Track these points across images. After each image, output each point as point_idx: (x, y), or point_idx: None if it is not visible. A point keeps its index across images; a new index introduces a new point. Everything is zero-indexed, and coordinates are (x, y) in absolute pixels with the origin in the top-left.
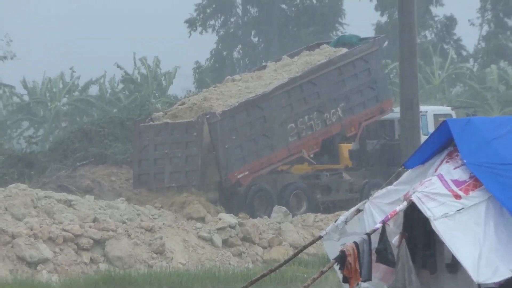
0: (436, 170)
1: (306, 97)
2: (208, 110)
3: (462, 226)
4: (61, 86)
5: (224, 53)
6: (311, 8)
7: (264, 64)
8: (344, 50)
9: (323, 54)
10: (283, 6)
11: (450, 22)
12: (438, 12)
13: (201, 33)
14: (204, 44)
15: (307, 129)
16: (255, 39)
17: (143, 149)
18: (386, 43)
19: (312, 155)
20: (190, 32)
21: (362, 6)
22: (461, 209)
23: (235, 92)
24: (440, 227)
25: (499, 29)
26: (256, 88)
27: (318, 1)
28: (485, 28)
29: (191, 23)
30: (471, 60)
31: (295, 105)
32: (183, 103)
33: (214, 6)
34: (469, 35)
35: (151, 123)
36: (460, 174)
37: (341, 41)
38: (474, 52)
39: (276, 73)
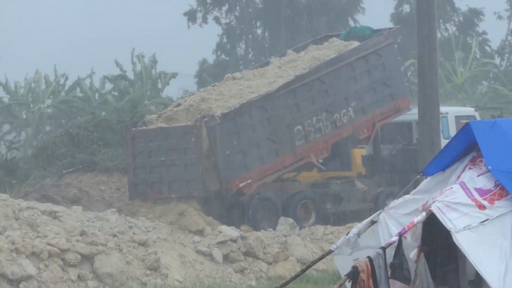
0: (458, 177)
1: (314, 96)
2: (207, 113)
3: (487, 239)
4: (43, 86)
5: (228, 46)
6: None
7: (267, 60)
8: (355, 44)
9: (333, 48)
10: None
11: (474, 14)
12: (461, 4)
13: (200, 25)
14: (205, 39)
15: (316, 132)
16: (261, 31)
17: (137, 156)
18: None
19: (321, 160)
20: (188, 25)
21: None
22: (485, 220)
23: (236, 91)
24: (462, 240)
25: None
26: (258, 87)
27: None
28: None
29: (191, 15)
30: (496, 57)
31: (302, 106)
32: (179, 104)
33: None
34: (495, 29)
35: (144, 127)
36: (485, 182)
37: (352, 34)
38: (500, 47)
39: (281, 70)
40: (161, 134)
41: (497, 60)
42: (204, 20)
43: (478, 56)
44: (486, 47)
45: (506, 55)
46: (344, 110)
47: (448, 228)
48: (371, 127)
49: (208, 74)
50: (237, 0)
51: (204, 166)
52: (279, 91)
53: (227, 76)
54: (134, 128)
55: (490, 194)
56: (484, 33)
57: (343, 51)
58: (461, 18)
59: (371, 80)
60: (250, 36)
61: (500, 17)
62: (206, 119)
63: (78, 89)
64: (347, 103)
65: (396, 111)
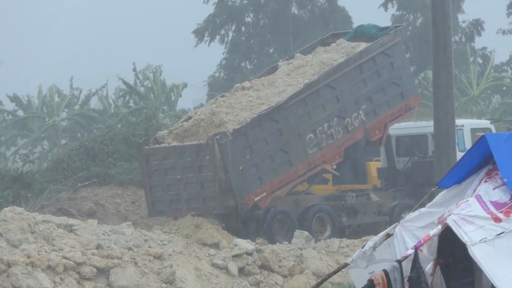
0: (474, 191)
1: (325, 103)
2: (218, 128)
3: (503, 252)
4: (57, 99)
5: (235, 62)
6: (327, 11)
7: (275, 64)
8: (363, 45)
9: (340, 50)
10: (295, 11)
11: (475, 27)
12: (461, 17)
13: (208, 43)
14: (213, 55)
15: (328, 138)
16: (268, 49)
17: (152, 174)
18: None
19: (335, 166)
20: (197, 42)
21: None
22: (501, 233)
23: (246, 103)
24: (478, 254)
25: None
26: (268, 97)
27: (333, 5)
28: None
29: (199, 33)
30: (509, 69)
31: (313, 113)
32: (189, 118)
33: (224, 16)
34: (498, 45)
35: (157, 145)
36: (500, 195)
37: (359, 33)
38: (509, 60)
39: (290, 78)
40: (175, 152)
41: (509, 72)
42: (212, 38)
43: (485, 68)
44: (495, 61)
45: None
46: (355, 114)
47: (464, 241)
48: (382, 128)
49: (220, 86)
50: (244, 18)
51: (220, 183)
52: (289, 102)
53: (237, 86)
54: (147, 147)
55: (506, 207)
56: (484, 48)
57: (351, 53)
58: (466, 30)
59: (380, 81)
60: (257, 52)
61: (504, 32)
62: (218, 137)
63: (91, 102)
64: (358, 106)
65: (407, 109)
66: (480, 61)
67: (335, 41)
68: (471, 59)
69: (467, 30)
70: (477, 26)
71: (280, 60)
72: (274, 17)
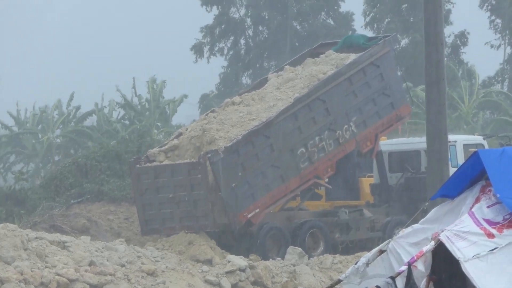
0: (470, 209)
1: (315, 117)
2: (209, 145)
3: (496, 268)
4: (56, 115)
5: (233, 77)
6: (327, 27)
7: (264, 77)
8: (352, 56)
9: (329, 62)
10: (296, 25)
11: (460, 41)
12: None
13: (208, 58)
14: (211, 70)
15: (319, 152)
16: (268, 62)
17: (145, 192)
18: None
19: (327, 179)
20: (196, 59)
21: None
22: (494, 248)
23: (237, 119)
24: (471, 270)
25: None
26: (259, 112)
27: (332, 19)
28: (506, 49)
29: (198, 49)
30: (495, 83)
31: (304, 127)
32: (180, 134)
33: (223, 26)
34: (484, 59)
35: (149, 164)
36: (494, 215)
37: (347, 43)
38: (496, 75)
39: (280, 92)
40: (166, 171)
41: (497, 87)
42: (212, 52)
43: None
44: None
45: (506, 81)
46: (346, 126)
47: (457, 258)
48: (374, 139)
49: (215, 103)
50: (243, 32)
51: (212, 201)
52: (280, 117)
53: (227, 101)
54: (138, 165)
55: (499, 225)
56: (466, 64)
57: (340, 65)
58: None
59: (370, 92)
60: (257, 65)
61: (492, 46)
62: (209, 155)
63: (88, 119)
64: (348, 118)
65: (398, 119)
66: (466, 76)
67: (324, 51)
68: (459, 73)
69: (453, 42)
70: (461, 38)
71: (270, 72)
72: (274, 31)
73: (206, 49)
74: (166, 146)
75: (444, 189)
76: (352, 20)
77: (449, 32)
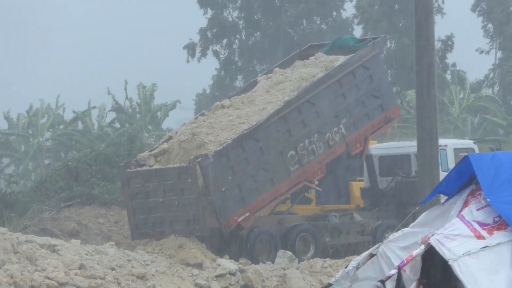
0: (459, 212)
1: (305, 119)
2: (199, 149)
3: (487, 266)
4: (45, 118)
5: (227, 80)
6: (320, 33)
7: (254, 79)
8: (341, 59)
9: (319, 65)
10: (290, 30)
11: (446, 43)
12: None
13: (199, 59)
14: (204, 72)
15: (309, 154)
16: (259, 67)
17: (135, 197)
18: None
19: (317, 182)
20: (188, 59)
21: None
22: (485, 247)
23: (226, 123)
24: (460, 269)
25: (508, 53)
26: (248, 116)
27: (326, 24)
28: (497, 54)
29: (190, 49)
30: (484, 87)
31: (294, 130)
32: (170, 138)
33: (215, 29)
34: (473, 63)
35: (138, 168)
36: (484, 217)
37: (336, 45)
38: (486, 79)
39: (269, 95)
40: (156, 175)
41: (488, 91)
42: (203, 54)
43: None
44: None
45: (496, 85)
46: (336, 128)
47: (447, 259)
48: (363, 141)
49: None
50: (237, 34)
51: (203, 205)
52: (269, 120)
53: (216, 104)
54: (128, 170)
55: (489, 226)
56: (454, 64)
57: (329, 68)
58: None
59: (360, 94)
60: (250, 68)
61: (482, 51)
62: (199, 159)
63: (79, 122)
64: (338, 120)
65: (388, 121)
66: (456, 80)
67: (313, 53)
68: (449, 77)
69: (439, 48)
70: (448, 41)
71: (259, 74)
72: (267, 35)
73: (198, 49)
74: (156, 150)
75: (436, 192)
76: (352, 28)
77: (436, 36)
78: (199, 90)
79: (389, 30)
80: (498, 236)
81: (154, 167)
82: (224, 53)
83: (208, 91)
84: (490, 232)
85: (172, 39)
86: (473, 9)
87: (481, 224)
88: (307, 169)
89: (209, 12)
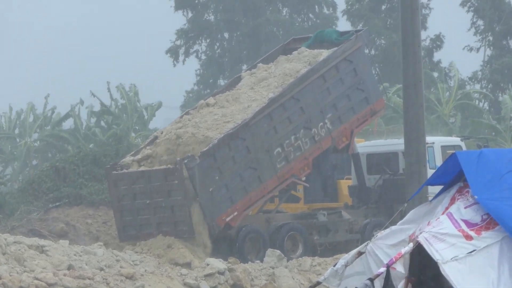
0: (446, 209)
1: (290, 116)
2: (185, 149)
3: (474, 270)
4: (31, 119)
5: (210, 80)
6: (304, 30)
7: (238, 75)
8: (324, 53)
9: (302, 59)
10: (274, 29)
11: (435, 42)
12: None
13: (183, 62)
14: (189, 73)
15: (296, 150)
16: (242, 65)
17: (121, 199)
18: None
19: (304, 178)
20: (173, 62)
21: None
22: (472, 251)
23: (211, 122)
24: (449, 271)
25: (499, 51)
26: (233, 114)
27: (312, 21)
28: (487, 51)
29: (173, 52)
30: (472, 83)
31: (279, 127)
32: (156, 138)
33: (197, 30)
34: (460, 61)
35: (125, 170)
36: (472, 215)
37: (319, 38)
38: (474, 76)
39: (254, 92)
40: (143, 177)
41: (476, 87)
42: (187, 55)
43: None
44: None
45: (485, 81)
46: (321, 123)
47: (436, 260)
48: (349, 135)
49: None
50: (218, 33)
51: (190, 207)
52: (255, 118)
53: (201, 102)
54: (115, 172)
55: (477, 226)
56: (439, 62)
57: (313, 62)
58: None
59: (344, 88)
60: (235, 67)
61: (472, 49)
62: (186, 161)
63: (65, 122)
64: (323, 115)
65: (373, 114)
66: (443, 78)
67: (296, 47)
68: (436, 75)
69: (428, 46)
70: (436, 41)
71: (243, 70)
72: (248, 33)
73: (181, 51)
74: (139, 156)
75: (423, 189)
76: (335, 23)
77: (425, 36)
78: (188, 88)
79: (379, 26)
80: (486, 236)
81: (140, 169)
82: (205, 53)
83: (194, 89)
84: (478, 233)
85: (149, 41)
86: (463, 5)
87: (469, 225)
88: (294, 165)
89: (189, 15)
